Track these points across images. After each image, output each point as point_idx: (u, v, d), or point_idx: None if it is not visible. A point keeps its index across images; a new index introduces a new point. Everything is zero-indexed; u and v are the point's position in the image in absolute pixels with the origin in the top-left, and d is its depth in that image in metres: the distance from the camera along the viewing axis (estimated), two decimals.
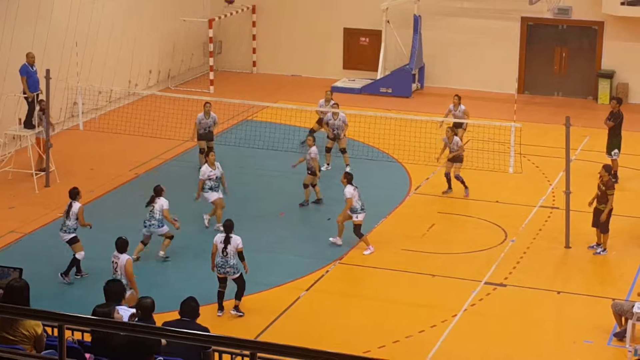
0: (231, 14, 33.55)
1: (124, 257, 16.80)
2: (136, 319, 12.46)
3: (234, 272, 17.62)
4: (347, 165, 24.51)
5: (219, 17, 33.18)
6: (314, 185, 22.63)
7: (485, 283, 19.15)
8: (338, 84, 32.52)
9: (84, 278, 19.06)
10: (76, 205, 18.87)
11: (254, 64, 34.80)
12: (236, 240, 17.51)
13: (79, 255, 18.91)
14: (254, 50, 34.69)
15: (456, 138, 23.25)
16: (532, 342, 17.11)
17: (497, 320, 17.86)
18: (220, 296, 17.88)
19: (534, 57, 32.17)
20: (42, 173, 23.82)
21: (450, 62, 32.60)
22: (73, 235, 18.87)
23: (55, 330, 10.95)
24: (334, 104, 25.30)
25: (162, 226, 19.72)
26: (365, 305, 18.54)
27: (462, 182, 23.21)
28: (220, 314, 17.88)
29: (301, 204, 22.62)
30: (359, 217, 20.27)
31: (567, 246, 20.63)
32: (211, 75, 32.38)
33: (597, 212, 20.36)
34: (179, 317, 13.07)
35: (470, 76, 32.27)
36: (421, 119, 26.08)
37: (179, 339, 7.74)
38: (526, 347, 16.94)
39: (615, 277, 19.66)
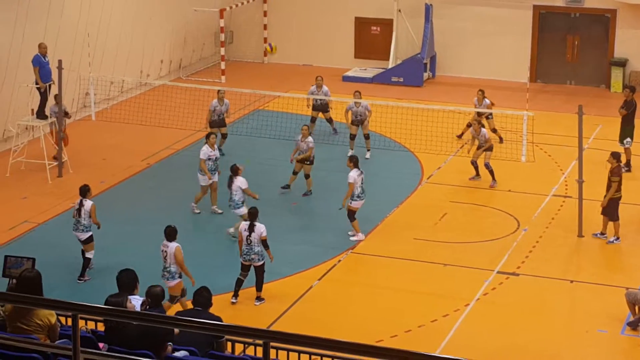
0: (242, 3, 33.54)
1: (173, 245, 16.80)
2: (146, 307, 12.48)
3: (259, 259, 17.72)
4: (367, 150, 24.94)
5: (230, 7, 33.17)
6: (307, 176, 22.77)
7: (498, 272, 19.13)
8: (349, 73, 32.50)
9: (93, 271, 18.92)
10: (88, 204, 18.68)
11: (265, 53, 34.79)
12: (260, 228, 17.66)
13: (90, 254, 18.80)
14: (265, 40, 34.67)
15: (483, 130, 23.20)
16: (544, 331, 17.08)
17: (509, 310, 17.84)
18: (239, 283, 17.97)
19: (546, 45, 32.07)
20: (55, 163, 23.86)
21: (462, 51, 32.53)
22: (89, 234, 18.68)
23: (69, 320, 11.00)
24: (356, 92, 25.42)
25: (240, 207, 19.92)
26: (377, 295, 18.54)
27: (491, 172, 23.14)
28: (234, 301, 17.92)
29: (304, 194, 22.71)
30: (352, 204, 20.23)
31: (580, 235, 20.59)
32: (222, 65, 32.39)
33: (609, 202, 20.31)
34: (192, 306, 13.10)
35: (482, 65, 32.20)
36: (433, 108, 26.04)
37: (192, 328, 7.75)
38: (539, 336, 16.92)
39: (629, 266, 19.61)
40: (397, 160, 25.16)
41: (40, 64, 24.23)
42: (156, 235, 20.67)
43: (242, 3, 33.55)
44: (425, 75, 32.24)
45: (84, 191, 18.82)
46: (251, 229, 17.66)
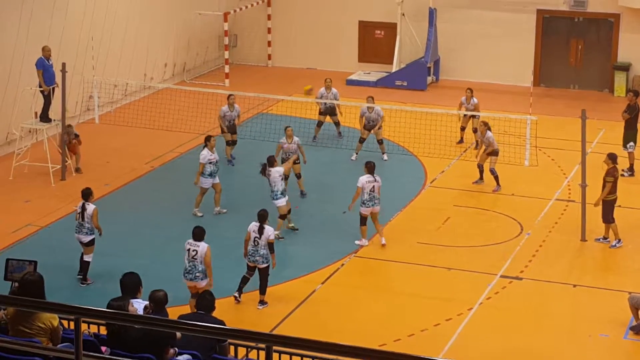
0: (246, 7, 33.56)
1: (204, 245, 16.87)
2: (149, 312, 12.49)
3: (263, 262, 17.74)
4: (383, 153, 25.01)
5: (234, 11, 33.19)
6: (287, 177, 22.72)
7: (501, 276, 19.12)
8: (353, 76, 32.51)
9: (96, 274, 18.93)
10: (91, 207, 18.67)
11: (269, 57, 34.80)
12: (268, 230, 17.73)
13: (89, 257, 18.73)
14: (269, 44, 34.69)
15: (489, 133, 23.17)
16: (547, 335, 17.07)
17: (512, 314, 17.83)
18: (244, 281, 17.99)
19: (549, 49, 32.06)
20: (74, 168, 23.99)
21: (466, 54, 32.53)
22: (92, 237, 18.70)
23: (72, 323, 11.00)
24: (369, 97, 25.44)
25: (279, 198, 20.19)
26: (380, 299, 18.53)
27: (496, 178, 23.11)
28: (236, 295, 17.94)
29: (303, 195, 22.74)
30: (360, 208, 20.17)
31: (583, 239, 20.57)
32: (226, 69, 32.40)
33: (603, 204, 20.32)
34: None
35: (485, 69, 32.20)
36: (437, 112, 26.04)
37: (195, 332, 7.75)
38: (542, 341, 16.91)
39: (632, 270, 19.58)
40: (400, 164, 25.16)
41: (44, 67, 24.25)
42: (160, 238, 20.76)
43: (246, 6, 33.58)
44: (429, 79, 32.24)
45: (87, 194, 18.81)
46: (260, 231, 17.68)
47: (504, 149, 24.76)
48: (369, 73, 32.92)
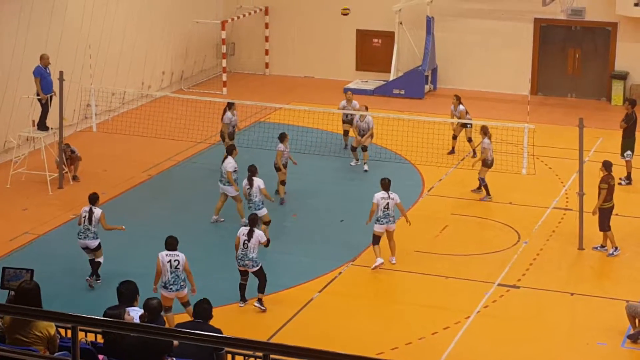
0: (244, 15, 33.59)
1: (182, 254, 16.90)
2: (145, 321, 12.47)
3: (253, 266, 17.79)
4: (364, 163, 24.96)
5: (232, 19, 33.22)
6: (284, 183, 22.81)
7: (499, 285, 19.11)
8: (351, 85, 32.52)
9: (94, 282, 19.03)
10: (98, 211, 18.82)
11: (267, 65, 34.82)
12: (258, 234, 17.80)
13: (101, 259, 18.94)
14: (266, 52, 34.72)
15: (485, 140, 23.16)
16: (545, 344, 17.06)
17: (510, 322, 17.82)
18: (242, 288, 18.10)
19: (547, 58, 32.10)
20: (71, 177, 23.92)
21: (463, 63, 32.56)
22: (99, 241, 18.82)
23: (69, 331, 10.99)
24: (362, 107, 25.49)
25: (261, 208, 20.20)
26: (378, 307, 18.52)
27: (485, 187, 23.14)
28: (242, 305, 18.04)
29: (282, 202, 22.79)
30: (374, 226, 19.99)
31: (581, 248, 20.57)
32: (224, 77, 32.42)
33: (599, 212, 20.33)
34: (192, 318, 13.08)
35: (483, 77, 32.24)
36: (434, 121, 26.04)
37: (192, 340, 7.75)
38: (539, 349, 16.90)
39: (629, 278, 19.58)
40: (398, 172, 25.10)
41: (41, 75, 24.25)
42: (157, 246, 20.65)
43: (244, 15, 33.61)
44: (427, 87, 32.26)
45: (94, 199, 18.99)
46: (250, 234, 17.74)
47: (501, 157, 24.75)
48: (367, 81, 32.94)
